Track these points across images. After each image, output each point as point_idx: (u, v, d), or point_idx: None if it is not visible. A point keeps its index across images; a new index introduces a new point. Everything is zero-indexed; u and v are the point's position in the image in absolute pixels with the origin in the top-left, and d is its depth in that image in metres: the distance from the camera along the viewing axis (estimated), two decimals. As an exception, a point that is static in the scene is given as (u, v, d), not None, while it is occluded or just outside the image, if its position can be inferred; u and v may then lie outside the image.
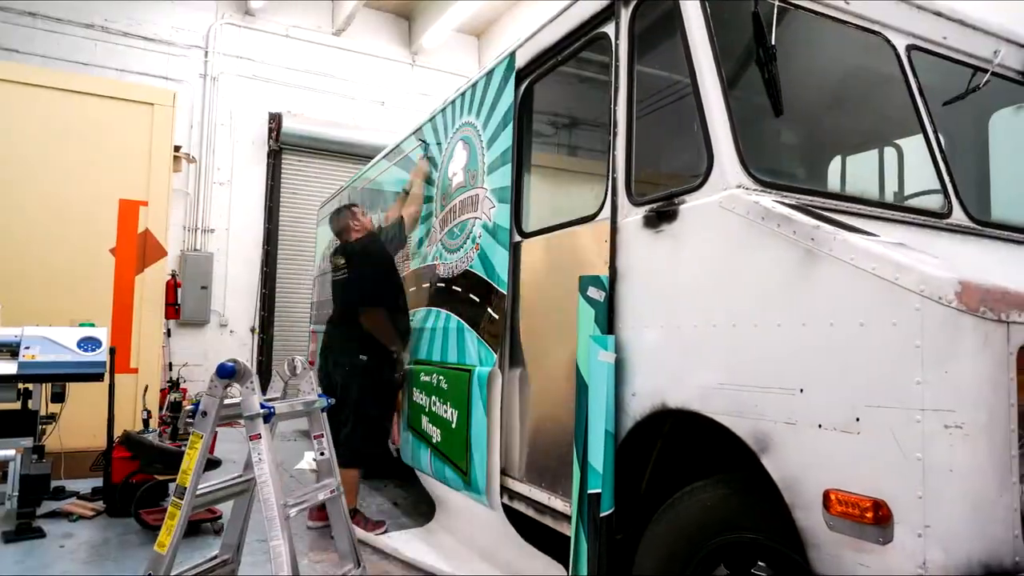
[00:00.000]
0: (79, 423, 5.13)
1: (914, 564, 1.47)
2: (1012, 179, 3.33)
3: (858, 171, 3.65)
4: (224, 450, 6.38)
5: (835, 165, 3.71)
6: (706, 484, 2.19)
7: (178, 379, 7.19)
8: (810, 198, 2.15)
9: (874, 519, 1.54)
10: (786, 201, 2.01)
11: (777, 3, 2.38)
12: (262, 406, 2.36)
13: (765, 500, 1.91)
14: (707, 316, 2.12)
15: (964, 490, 1.43)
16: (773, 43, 2.30)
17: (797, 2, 2.51)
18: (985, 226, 2.56)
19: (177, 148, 7.78)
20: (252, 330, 10.05)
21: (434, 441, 3.96)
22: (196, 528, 4.02)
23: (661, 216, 2.35)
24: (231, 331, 9.89)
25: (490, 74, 3.70)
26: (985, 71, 2.96)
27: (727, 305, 2.05)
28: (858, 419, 1.62)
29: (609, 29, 2.76)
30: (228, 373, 2.38)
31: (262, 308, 10.10)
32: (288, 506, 2.38)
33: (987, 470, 1.44)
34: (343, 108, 10.61)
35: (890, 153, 3.46)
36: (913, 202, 3.17)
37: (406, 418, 4.46)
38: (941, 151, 2.60)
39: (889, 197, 3.44)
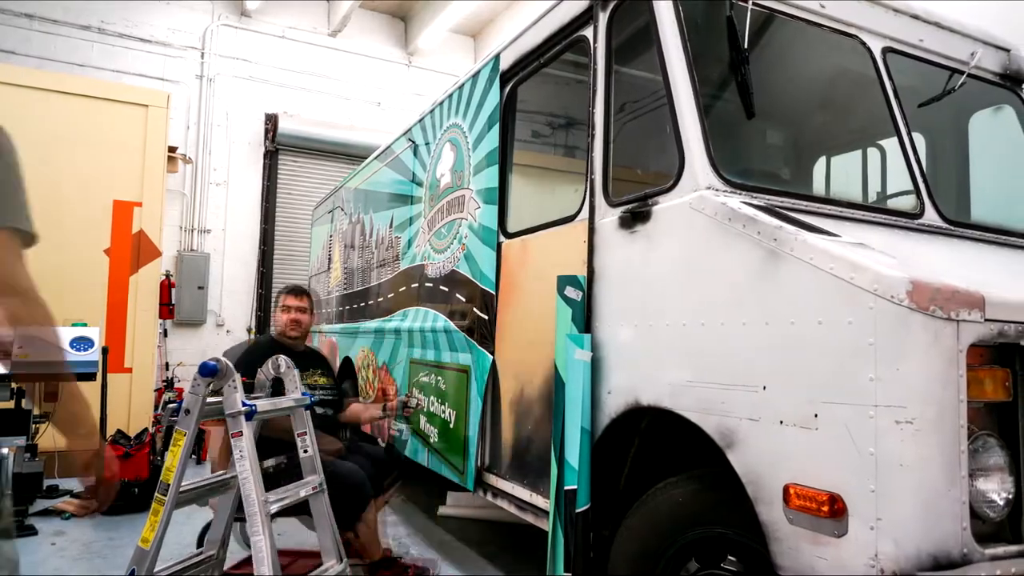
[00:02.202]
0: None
1: (866, 556, 1.51)
2: (991, 180, 3.37)
3: (842, 172, 3.69)
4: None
5: (819, 166, 3.75)
6: (678, 480, 2.23)
7: (172, 379, 7.24)
8: (781, 199, 2.19)
9: (830, 513, 1.58)
10: (753, 202, 2.05)
11: (751, 6, 2.42)
12: (243, 404, 2.40)
13: (734, 495, 1.95)
14: (678, 315, 2.16)
15: (914, 484, 1.47)
16: (746, 46, 2.34)
17: (771, 5, 2.54)
18: (958, 226, 2.59)
19: (174, 149, 7.83)
20: (248, 330, 10.09)
21: (431, 441, 4.01)
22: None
23: (635, 217, 2.39)
24: (227, 331, 9.93)
25: (475, 76, 3.74)
26: (962, 73, 2.99)
27: (696, 304, 2.08)
28: (816, 415, 1.66)
29: (588, 32, 2.79)
30: (210, 371, 2.42)
31: (258, 308, 10.14)
32: (269, 503, 2.42)
33: (936, 464, 1.48)
34: (339, 109, 10.65)
35: (880, 154, 3.50)
36: (892, 202, 3.21)
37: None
38: (914, 152, 2.64)
39: (872, 197, 3.48)
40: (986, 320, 1.54)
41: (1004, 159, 3.40)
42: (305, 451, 2.80)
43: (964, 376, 1.50)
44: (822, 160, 3.72)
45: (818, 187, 3.68)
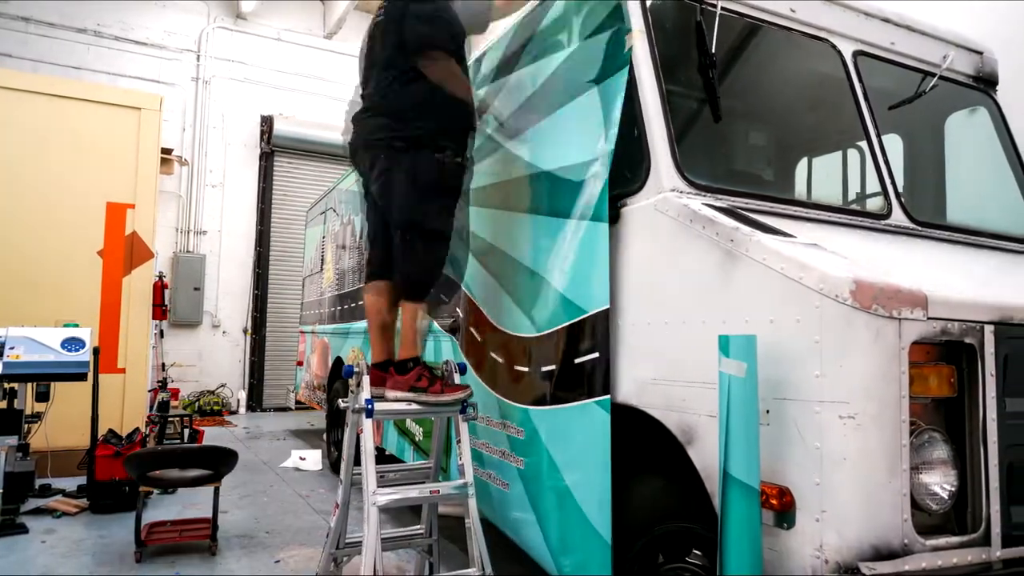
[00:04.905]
0: (66, 422, 5.22)
1: (812, 547, 1.55)
2: (966, 181, 3.40)
3: (823, 174, 3.72)
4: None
5: (800, 168, 3.78)
6: (646, 476, 2.27)
7: (165, 379, 7.29)
8: (747, 201, 2.23)
9: (780, 506, 1.63)
10: (715, 204, 2.09)
11: (720, 11, 2.47)
12: (366, 402, 2.56)
13: (698, 491, 1.99)
14: (644, 314, 2.20)
15: (856, 477, 1.52)
16: (713, 51, 2.38)
17: (741, 10, 2.59)
18: (925, 227, 2.63)
19: (169, 151, 7.89)
20: (244, 331, 10.15)
21: (418, 440, 4.06)
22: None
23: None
24: (224, 332, 9.99)
25: (459, 79, 3.78)
26: (934, 75, 3.03)
27: (660, 303, 2.13)
28: (768, 411, 1.70)
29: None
30: (348, 374, 2.70)
31: (254, 309, 10.20)
32: (376, 494, 2.50)
33: (877, 458, 1.52)
34: (334, 110, 10.70)
35: (860, 156, 3.53)
36: (870, 204, 3.25)
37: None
38: (883, 154, 2.68)
39: (852, 198, 3.51)
40: (929, 318, 1.59)
41: (978, 160, 3.44)
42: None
43: (907, 373, 1.55)
44: (803, 162, 3.76)
45: (800, 188, 3.71)
